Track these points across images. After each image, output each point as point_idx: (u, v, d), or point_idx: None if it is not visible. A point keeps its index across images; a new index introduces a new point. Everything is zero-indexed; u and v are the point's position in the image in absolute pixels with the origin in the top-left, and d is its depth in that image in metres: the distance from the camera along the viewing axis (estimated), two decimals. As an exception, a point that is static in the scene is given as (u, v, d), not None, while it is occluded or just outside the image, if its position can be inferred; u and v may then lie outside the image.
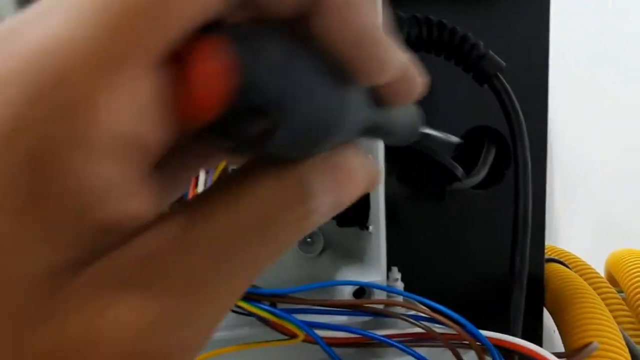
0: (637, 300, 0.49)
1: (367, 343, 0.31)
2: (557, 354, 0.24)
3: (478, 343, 0.26)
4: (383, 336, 0.28)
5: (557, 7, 0.42)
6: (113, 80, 0.08)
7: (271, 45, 0.09)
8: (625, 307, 0.48)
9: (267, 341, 0.29)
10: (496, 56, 0.34)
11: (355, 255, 0.37)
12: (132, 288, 0.09)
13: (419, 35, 0.33)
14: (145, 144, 0.08)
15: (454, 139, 0.25)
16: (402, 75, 0.12)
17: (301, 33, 0.10)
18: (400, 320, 0.31)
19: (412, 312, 0.30)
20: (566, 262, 0.50)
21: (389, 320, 0.32)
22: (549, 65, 0.43)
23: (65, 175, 0.08)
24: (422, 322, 0.29)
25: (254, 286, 0.27)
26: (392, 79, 0.12)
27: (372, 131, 0.14)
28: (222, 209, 0.10)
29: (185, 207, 0.10)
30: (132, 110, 0.08)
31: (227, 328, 0.31)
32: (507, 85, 0.33)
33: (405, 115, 0.16)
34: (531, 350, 0.24)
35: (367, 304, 0.30)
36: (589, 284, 0.49)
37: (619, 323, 0.48)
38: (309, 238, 0.40)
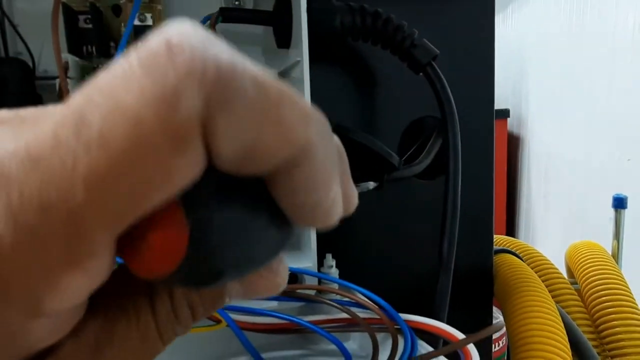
0: (588, 290, 0.49)
1: (297, 329, 0.31)
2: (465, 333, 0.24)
3: (396, 326, 0.26)
4: (309, 322, 0.28)
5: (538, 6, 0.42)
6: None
7: (220, 212, 0.10)
8: (576, 297, 0.49)
9: (195, 327, 0.29)
10: (429, 44, 0.34)
11: (295, 244, 0.37)
12: None
13: (352, 24, 0.33)
14: None
15: None
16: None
17: (256, 187, 0.11)
18: (325, 306, 0.32)
19: (345, 299, 0.30)
20: (518, 253, 0.50)
21: (323, 306, 0.33)
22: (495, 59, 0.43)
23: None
24: (350, 307, 0.29)
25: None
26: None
27: None
28: None
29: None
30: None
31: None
32: (440, 73, 0.33)
33: None
34: (442, 330, 0.25)
35: (297, 289, 0.30)
36: (541, 275, 0.50)
37: (570, 313, 0.48)
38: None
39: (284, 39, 0.34)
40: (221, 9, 0.33)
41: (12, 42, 0.33)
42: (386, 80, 0.41)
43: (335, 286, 0.32)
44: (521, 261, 0.47)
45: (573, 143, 0.99)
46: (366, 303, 0.28)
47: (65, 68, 0.31)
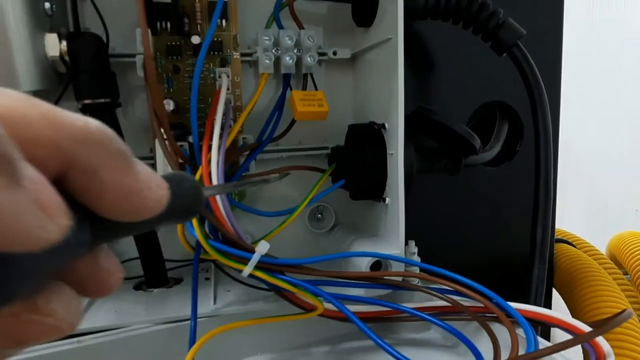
0: (642, 280, 0.49)
1: (383, 318, 0.30)
2: (589, 324, 0.23)
3: (509, 317, 0.25)
4: (412, 309, 0.27)
5: None
6: None
7: None
8: (632, 288, 0.48)
9: (283, 315, 0.27)
10: (515, 23, 0.33)
11: (368, 230, 0.36)
12: None
13: (436, 2, 0.32)
14: None
15: None
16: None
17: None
18: (416, 294, 0.30)
19: (434, 285, 0.29)
20: (573, 243, 0.49)
21: (405, 294, 0.31)
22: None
23: None
24: (445, 294, 0.28)
25: (270, 256, 0.26)
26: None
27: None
28: None
29: None
30: None
31: (239, 303, 0.30)
32: (527, 54, 0.32)
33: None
34: (562, 321, 0.23)
35: (389, 275, 0.29)
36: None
37: (625, 303, 0.48)
38: (319, 214, 0.38)
39: (365, 17, 0.32)
40: (302, -16, 0.32)
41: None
42: (448, 67, 0.40)
43: (425, 272, 0.30)
44: (579, 251, 0.46)
45: (594, 133, 0.99)
46: (468, 292, 0.27)
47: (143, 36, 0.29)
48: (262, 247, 0.25)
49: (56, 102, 0.31)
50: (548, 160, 0.30)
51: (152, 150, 0.34)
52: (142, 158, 0.31)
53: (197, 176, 0.27)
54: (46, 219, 0.09)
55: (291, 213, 0.32)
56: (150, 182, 0.12)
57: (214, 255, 0.25)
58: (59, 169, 0.10)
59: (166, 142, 0.28)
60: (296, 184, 0.36)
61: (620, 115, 0.99)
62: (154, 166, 0.33)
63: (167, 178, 0.13)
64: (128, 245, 0.34)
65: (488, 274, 0.40)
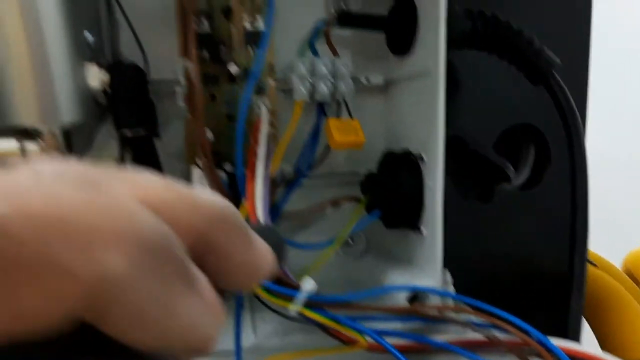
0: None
1: (419, 350, 0.30)
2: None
3: (550, 353, 0.25)
4: (449, 343, 0.27)
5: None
6: None
7: None
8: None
9: (326, 348, 0.27)
10: (549, 51, 0.33)
11: (401, 257, 0.36)
12: None
13: (473, 31, 0.32)
14: None
15: None
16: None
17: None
18: (453, 326, 0.31)
19: (471, 317, 0.29)
20: (592, 261, 0.49)
21: (440, 326, 0.31)
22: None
23: None
24: (482, 328, 0.28)
25: (316, 293, 0.26)
26: None
27: None
28: None
29: None
30: None
31: (278, 335, 0.30)
32: (563, 84, 0.32)
33: None
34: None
35: (430, 308, 0.29)
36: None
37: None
38: (351, 239, 0.38)
39: (401, 45, 0.32)
40: (339, 13, 0.32)
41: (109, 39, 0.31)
42: (475, 89, 0.40)
43: (467, 306, 0.30)
44: (603, 273, 0.46)
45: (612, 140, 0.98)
46: (506, 326, 0.27)
47: (186, 69, 0.30)
48: (308, 285, 0.25)
49: (95, 134, 0.31)
50: (585, 193, 0.30)
51: (186, 176, 0.34)
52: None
53: (242, 211, 0.27)
54: (214, 319, 0.09)
55: (328, 245, 0.32)
56: (264, 251, 0.12)
57: (264, 295, 0.25)
58: (194, 253, 0.10)
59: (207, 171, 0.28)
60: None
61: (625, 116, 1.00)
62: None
63: (259, 232, 0.13)
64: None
65: (514, 300, 0.41)
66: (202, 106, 0.26)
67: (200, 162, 0.31)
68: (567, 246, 0.34)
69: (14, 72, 0.26)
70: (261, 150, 0.28)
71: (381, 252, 0.38)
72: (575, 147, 0.31)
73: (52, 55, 0.26)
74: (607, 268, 0.51)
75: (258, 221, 0.25)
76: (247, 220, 0.27)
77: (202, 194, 0.11)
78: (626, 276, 0.50)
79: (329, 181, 0.36)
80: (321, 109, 0.33)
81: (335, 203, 0.33)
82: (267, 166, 0.28)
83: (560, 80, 0.32)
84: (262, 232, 0.13)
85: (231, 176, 0.31)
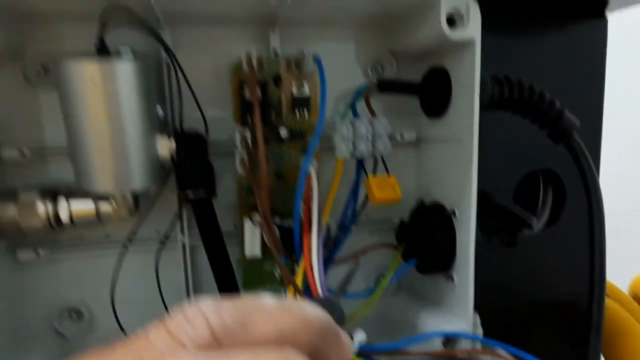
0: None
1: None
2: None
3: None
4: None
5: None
6: None
7: None
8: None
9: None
10: (570, 114, 0.36)
11: (432, 298, 0.39)
12: None
13: (500, 95, 0.35)
14: None
15: None
16: None
17: None
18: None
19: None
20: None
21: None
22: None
23: None
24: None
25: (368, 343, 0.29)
26: None
27: None
28: None
29: None
30: None
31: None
32: (583, 146, 0.35)
33: None
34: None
35: (463, 352, 0.32)
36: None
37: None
38: (382, 278, 0.41)
39: (435, 109, 0.35)
40: (379, 80, 0.35)
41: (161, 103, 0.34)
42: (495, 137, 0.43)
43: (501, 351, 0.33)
44: (616, 304, 0.49)
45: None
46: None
47: (244, 137, 0.33)
48: (360, 336, 0.28)
49: (159, 194, 0.34)
50: (602, 249, 0.33)
51: (237, 227, 0.37)
52: (226, 233, 0.35)
53: (301, 271, 0.30)
54: None
55: (370, 295, 0.35)
56: (349, 343, 0.15)
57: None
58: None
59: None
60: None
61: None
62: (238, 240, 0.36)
63: (325, 304, 0.16)
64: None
65: (536, 337, 0.44)
66: (266, 175, 0.30)
67: (255, 218, 0.34)
68: (587, 284, 0.37)
69: (95, 149, 0.29)
70: (314, 207, 0.31)
71: (412, 292, 0.41)
72: (593, 203, 0.34)
73: (128, 133, 0.29)
74: (618, 296, 0.54)
75: (320, 291, 0.28)
76: (304, 277, 0.30)
77: (309, 310, 0.14)
78: (635, 303, 0.53)
79: (364, 227, 0.40)
80: (360, 165, 0.36)
81: (374, 248, 0.36)
82: (320, 222, 0.31)
83: (580, 141, 0.35)
84: (327, 304, 0.16)
85: (281, 229, 0.34)
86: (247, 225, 0.35)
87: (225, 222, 0.36)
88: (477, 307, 0.36)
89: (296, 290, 0.29)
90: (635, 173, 1.04)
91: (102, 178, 0.30)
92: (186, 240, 0.36)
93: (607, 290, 0.55)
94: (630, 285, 0.65)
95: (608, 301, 0.49)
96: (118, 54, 0.28)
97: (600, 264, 0.34)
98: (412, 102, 0.38)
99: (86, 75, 0.27)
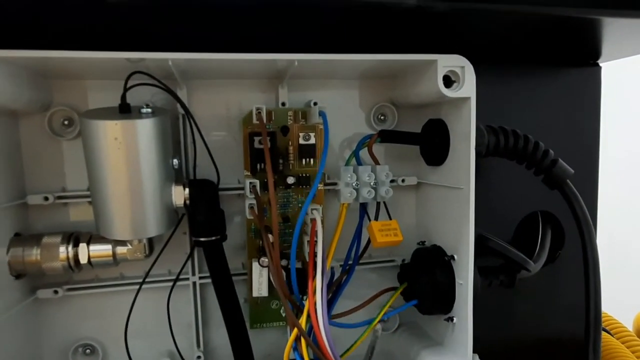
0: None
1: None
2: None
3: None
4: None
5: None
6: None
7: None
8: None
9: None
10: (564, 163, 0.37)
11: (433, 336, 0.40)
12: None
13: (497, 144, 0.37)
14: None
15: None
16: None
17: None
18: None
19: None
20: (607, 328, 0.53)
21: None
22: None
23: None
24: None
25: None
26: None
27: None
28: None
29: None
30: None
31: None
32: (576, 192, 0.37)
33: None
34: None
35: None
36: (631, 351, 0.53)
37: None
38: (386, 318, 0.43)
39: (435, 159, 0.37)
40: (381, 131, 0.37)
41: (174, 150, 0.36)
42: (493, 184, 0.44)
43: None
44: (619, 344, 0.49)
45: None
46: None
47: (254, 186, 0.35)
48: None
49: (171, 237, 0.36)
50: (597, 294, 0.35)
51: (245, 266, 0.39)
52: (235, 273, 0.36)
53: (305, 313, 0.31)
54: None
55: (365, 325, 0.36)
56: None
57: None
58: None
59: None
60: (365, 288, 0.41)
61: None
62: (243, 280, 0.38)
63: None
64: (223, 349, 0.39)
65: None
66: (277, 224, 0.32)
67: (262, 260, 0.35)
68: (583, 323, 0.38)
69: (116, 199, 0.31)
70: (319, 251, 0.33)
71: (413, 331, 0.42)
72: (587, 247, 0.36)
73: (147, 185, 0.31)
74: (619, 331, 0.55)
75: (323, 332, 0.30)
76: (309, 317, 0.31)
77: None
78: (638, 339, 0.54)
79: (367, 267, 0.41)
80: (364, 209, 0.38)
81: (380, 294, 0.38)
82: (324, 266, 0.33)
83: (574, 189, 0.37)
84: None
85: (287, 270, 0.36)
86: (255, 267, 0.37)
87: (233, 262, 0.38)
88: (475, 345, 0.37)
89: (301, 333, 0.31)
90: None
91: (121, 226, 0.32)
92: (197, 280, 0.38)
93: (610, 326, 0.56)
94: (635, 321, 0.65)
95: (612, 341, 0.50)
96: (138, 111, 0.31)
97: (596, 306, 0.35)
98: (413, 148, 0.40)
99: (109, 133, 0.29)
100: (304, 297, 0.33)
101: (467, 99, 0.32)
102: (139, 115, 0.30)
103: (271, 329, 0.40)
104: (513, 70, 0.44)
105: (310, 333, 0.31)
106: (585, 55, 0.44)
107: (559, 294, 0.46)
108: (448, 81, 0.32)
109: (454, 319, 0.36)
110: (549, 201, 0.45)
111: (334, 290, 0.36)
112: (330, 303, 0.35)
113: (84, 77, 0.35)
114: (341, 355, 0.32)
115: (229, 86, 0.38)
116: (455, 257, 0.35)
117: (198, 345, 0.39)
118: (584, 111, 0.45)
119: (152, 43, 0.31)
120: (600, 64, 0.46)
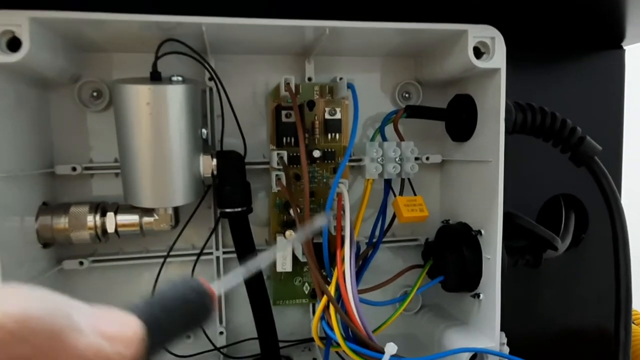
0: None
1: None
2: None
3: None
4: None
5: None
6: None
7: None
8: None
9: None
10: (592, 141, 0.37)
11: (457, 316, 0.40)
12: None
13: (524, 121, 0.37)
14: None
15: None
16: None
17: None
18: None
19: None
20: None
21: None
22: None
23: None
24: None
25: (397, 356, 0.30)
26: None
27: None
28: None
29: None
30: None
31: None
32: (604, 169, 0.36)
33: None
34: None
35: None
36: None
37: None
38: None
39: (461, 134, 0.37)
40: (407, 106, 0.37)
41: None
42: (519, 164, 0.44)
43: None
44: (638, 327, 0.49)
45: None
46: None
47: (281, 157, 0.35)
48: (391, 349, 0.29)
49: (197, 207, 0.36)
50: (628, 269, 0.34)
51: (267, 241, 0.39)
52: (257, 247, 0.36)
53: (333, 282, 0.31)
54: None
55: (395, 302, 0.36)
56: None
57: (351, 354, 0.29)
58: None
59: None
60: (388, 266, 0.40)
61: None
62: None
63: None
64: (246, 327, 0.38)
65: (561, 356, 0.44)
66: (309, 197, 0.32)
67: (287, 234, 0.35)
68: (612, 307, 0.37)
69: (145, 165, 0.31)
70: (347, 222, 0.33)
71: (435, 309, 0.41)
72: (617, 223, 0.35)
73: (175, 152, 0.31)
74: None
75: (352, 302, 0.29)
76: (337, 288, 0.31)
77: None
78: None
79: (390, 245, 0.41)
80: (388, 185, 0.38)
81: (405, 271, 0.38)
82: (352, 235, 0.32)
83: (602, 166, 0.36)
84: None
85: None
86: (280, 239, 0.37)
87: (256, 238, 0.38)
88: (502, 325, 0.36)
89: (330, 300, 0.30)
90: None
91: (149, 194, 0.32)
92: (220, 255, 0.38)
93: (636, 318, 0.55)
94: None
95: (635, 328, 0.49)
96: (169, 79, 0.31)
97: (627, 287, 0.35)
98: (437, 126, 0.40)
99: (141, 97, 0.29)
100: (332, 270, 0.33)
101: (497, 70, 0.32)
102: (170, 82, 0.31)
103: (293, 306, 0.40)
104: (536, 51, 0.44)
105: (339, 303, 0.31)
106: (609, 38, 0.44)
107: (583, 282, 0.46)
108: (477, 52, 0.32)
109: (481, 295, 0.35)
110: (572, 184, 0.45)
111: (360, 264, 0.36)
112: (357, 276, 0.35)
113: (112, 50, 0.35)
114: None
115: (256, 62, 0.38)
116: (483, 232, 0.35)
117: (220, 322, 0.39)
118: (607, 94, 0.45)
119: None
120: (625, 47, 0.46)
